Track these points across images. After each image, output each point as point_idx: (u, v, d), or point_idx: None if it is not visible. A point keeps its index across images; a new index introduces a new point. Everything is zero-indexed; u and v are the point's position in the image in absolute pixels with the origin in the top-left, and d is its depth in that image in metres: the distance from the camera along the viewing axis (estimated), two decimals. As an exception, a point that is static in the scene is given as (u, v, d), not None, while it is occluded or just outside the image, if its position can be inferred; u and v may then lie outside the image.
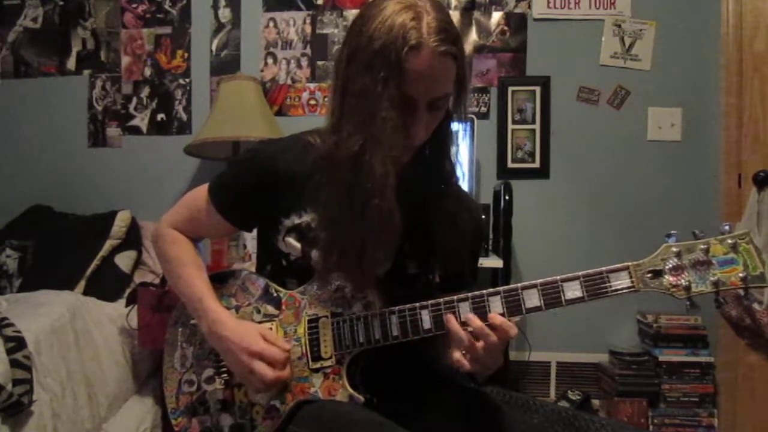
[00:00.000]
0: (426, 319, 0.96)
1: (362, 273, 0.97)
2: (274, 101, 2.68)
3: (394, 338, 0.98)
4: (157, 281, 2.19)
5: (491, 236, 2.32)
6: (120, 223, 2.38)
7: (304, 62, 2.68)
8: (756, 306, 2.13)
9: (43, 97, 2.79)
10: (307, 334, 1.03)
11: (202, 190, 1.14)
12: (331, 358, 1.01)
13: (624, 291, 0.88)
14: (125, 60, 2.76)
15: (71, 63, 2.79)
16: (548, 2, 2.57)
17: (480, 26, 2.61)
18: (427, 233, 1.06)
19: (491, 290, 0.94)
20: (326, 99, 2.64)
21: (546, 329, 2.50)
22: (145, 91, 2.75)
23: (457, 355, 0.91)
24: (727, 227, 0.86)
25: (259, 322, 1.07)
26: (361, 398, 0.98)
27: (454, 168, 1.10)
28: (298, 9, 2.68)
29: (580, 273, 0.89)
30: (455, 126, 1.07)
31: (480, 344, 0.90)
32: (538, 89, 2.57)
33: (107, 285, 2.24)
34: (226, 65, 2.70)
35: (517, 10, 2.60)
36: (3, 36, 2.82)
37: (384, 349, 0.99)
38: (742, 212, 2.27)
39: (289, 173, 1.05)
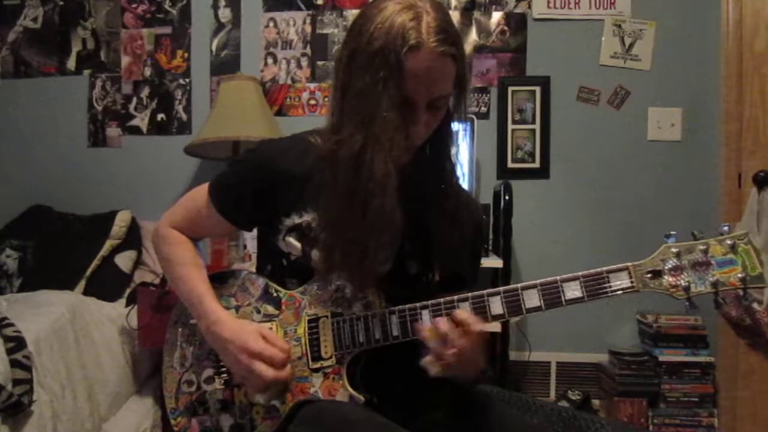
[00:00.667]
0: (426, 320, 0.96)
1: (363, 273, 0.97)
2: (274, 101, 2.68)
3: (395, 338, 0.98)
4: (157, 281, 2.19)
5: (491, 236, 2.32)
6: (120, 223, 2.38)
7: (304, 62, 2.68)
8: (756, 306, 2.13)
9: (43, 97, 2.78)
10: (307, 334, 1.03)
11: (203, 189, 1.14)
12: (331, 358, 1.01)
13: (624, 291, 0.88)
14: (125, 60, 2.76)
15: (71, 63, 2.79)
16: (548, 2, 2.57)
17: (480, 26, 2.61)
18: (427, 233, 1.06)
19: (491, 290, 0.94)
20: (326, 99, 2.64)
21: (546, 329, 2.50)
22: (145, 91, 2.75)
23: (426, 359, 0.92)
24: (726, 228, 0.86)
25: (259, 322, 1.07)
26: (361, 398, 0.98)
27: (454, 167, 1.10)
28: (298, 9, 2.68)
29: (580, 273, 0.89)
30: (455, 126, 1.07)
31: (450, 350, 0.90)
32: (538, 89, 2.57)
33: (107, 285, 2.24)
34: (226, 65, 2.70)
35: (517, 10, 2.60)
36: (3, 36, 2.82)
37: (384, 349, 0.99)
38: (742, 212, 2.27)
39: (289, 173, 1.05)
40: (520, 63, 2.60)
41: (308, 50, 2.68)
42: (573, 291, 0.89)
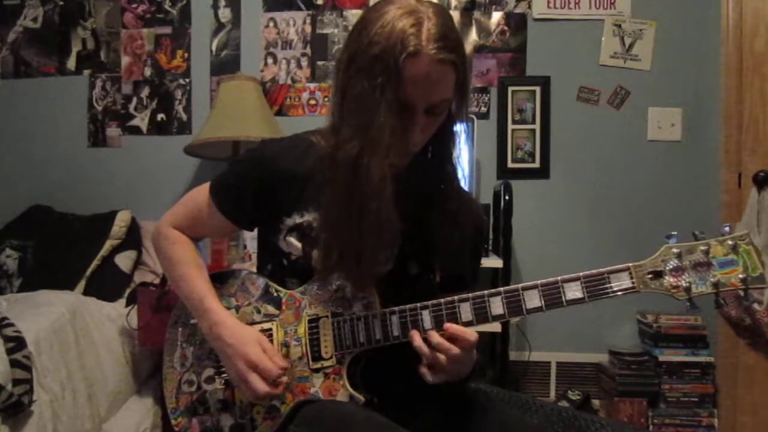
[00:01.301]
0: (426, 320, 0.96)
1: (361, 274, 0.97)
2: (274, 101, 2.68)
3: (395, 338, 0.98)
4: (157, 281, 2.19)
5: (491, 236, 2.32)
6: (120, 223, 2.38)
7: (304, 62, 2.68)
8: (756, 306, 2.13)
9: (43, 97, 2.78)
10: (307, 334, 1.03)
11: (203, 189, 1.14)
12: (331, 358, 1.01)
13: (625, 292, 0.88)
14: (125, 60, 2.76)
15: (71, 63, 2.78)
16: (548, 2, 2.57)
17: (480, 26, 2.61)
18: (428, 234, 1.06)
19: (492, 291, 0.94)
20: (326, 99, 2.64)
21: (546, 329, 2.50)
22: (145, 91, 2.74)
23: (422, 369, 0.94)
24: (727, 228, 0.86)
25: (260, 322, 1.07)
26: (362, 398, 0.98)
27: (455, 169, 1.10)
28: (298, 9, 2.68)
29: (581, 274, 0.90)
30: (457, 128, 1.07)
31: (442, 357, 0.91)
32: (538, 89, 2.57)
33: (107, 285, 2.24)
34: (226, 65, 2.70)
35: (517, 10, 2.60)
36: (3, 36, 2.81)
37: (384, 350, 0.99)
38: (742, 212, 2.27)
39: (290, 172, 1.05)
40: (520, 63, 2.60)
41: (308, 50, 2.68)
42: (574, 291, 0.89)
